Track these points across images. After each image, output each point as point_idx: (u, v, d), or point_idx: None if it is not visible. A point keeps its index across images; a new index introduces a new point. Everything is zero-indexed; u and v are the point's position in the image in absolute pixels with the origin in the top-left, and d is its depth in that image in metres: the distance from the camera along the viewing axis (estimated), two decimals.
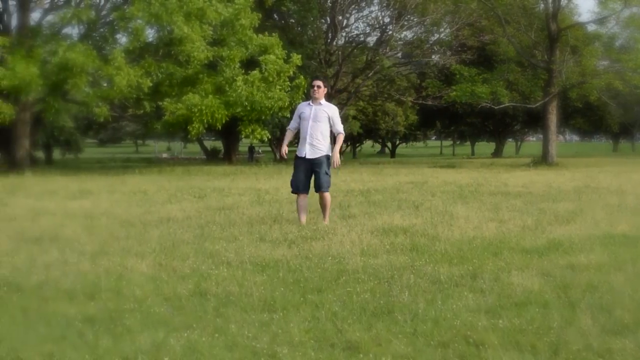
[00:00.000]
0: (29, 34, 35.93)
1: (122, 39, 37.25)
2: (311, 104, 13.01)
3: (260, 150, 79.95)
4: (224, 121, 32.92)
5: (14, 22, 38.91)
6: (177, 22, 31.59)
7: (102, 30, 38.71)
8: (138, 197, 18.86)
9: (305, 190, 12.80)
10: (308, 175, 12.81)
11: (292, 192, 13.11)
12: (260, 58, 34.16)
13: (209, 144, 77.46)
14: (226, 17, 33.61)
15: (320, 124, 12.79)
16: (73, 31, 39.39)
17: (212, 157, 68.58)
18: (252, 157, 70.14)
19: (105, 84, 35.22)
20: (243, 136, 41.67)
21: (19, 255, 9.41)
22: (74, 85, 31.97)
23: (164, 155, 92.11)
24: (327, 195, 12.93)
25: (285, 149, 13.62)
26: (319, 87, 12.98)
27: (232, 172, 34.26)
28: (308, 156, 12.71)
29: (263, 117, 35.07)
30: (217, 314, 6.52)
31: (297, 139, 14.07)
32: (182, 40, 31.85)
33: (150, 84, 32.36)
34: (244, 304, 6.86)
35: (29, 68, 30.86)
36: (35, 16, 39.26)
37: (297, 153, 12.99)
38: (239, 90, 32.21)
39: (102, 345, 5.62)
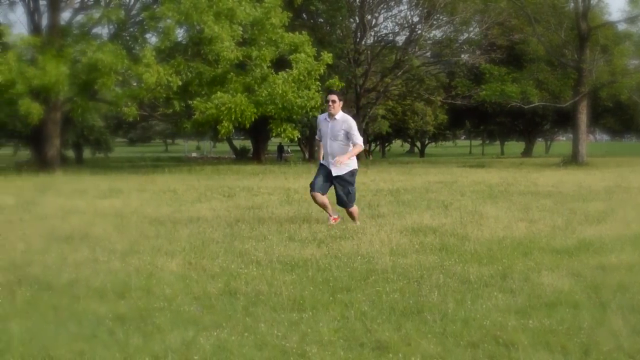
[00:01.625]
0: (59, 34, 36.13)
1: (152, 38, 37.44)
2: (327, 118, 12.77)
3: (289, 150, 79.96)
4: (252, 120, 32.97)
5: (44, 21, 39.14)
6: (207, 22, 31.68)
7: (131, 30, 38.91)
8: (168, 196, 18.93)
9: (322, 190, 12.63)
10: (328, 179, 12.66)
11: (310, 191, 12.79)
12: (291, 57, 34.20)
13: (238, 143, 77.58)
14: (256, 16, 33.66)
15: (339, 142, 12.54)
16: (103, 31, 39.55)
17: (241, 156, 68.73)
18: (281, 156, 70.20)
19: (134, 84, 35.40)
20: (274, 135, 41.70)
21: (50, 254, 9.46)
22: (102, 85, 32.13)
23: (194, 154, 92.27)
24: (353, 209, 12.77)
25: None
26: (334, 101, 12.65)
27: (261, 171, 34.32)
28: (334, 173, 12.58)
29: (294, 116, 35.11)
30: (247, 313, 6.53)
31: None
32: (211, 40, 31.93)
33: (180, 83, 32.50)
34: (274, 303, 6.86)
35: (59, 67, 31.04)
36: (65, 16, 39.43)
37: (320, 161, 13.02)
38: (276, 89, 32.24)
39: (133, 344, 5.64)
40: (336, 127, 12.55)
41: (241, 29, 33.63)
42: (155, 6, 35.88)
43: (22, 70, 30.99)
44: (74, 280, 7.84)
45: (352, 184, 12.62)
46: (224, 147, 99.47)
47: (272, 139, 63.39)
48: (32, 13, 39.13)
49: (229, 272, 8.25)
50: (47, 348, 5.52)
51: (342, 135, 12.50)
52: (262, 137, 56.26)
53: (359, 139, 12.58)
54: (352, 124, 12.63)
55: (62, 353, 5.41)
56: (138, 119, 37.61)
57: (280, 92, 32.55)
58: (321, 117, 13.06)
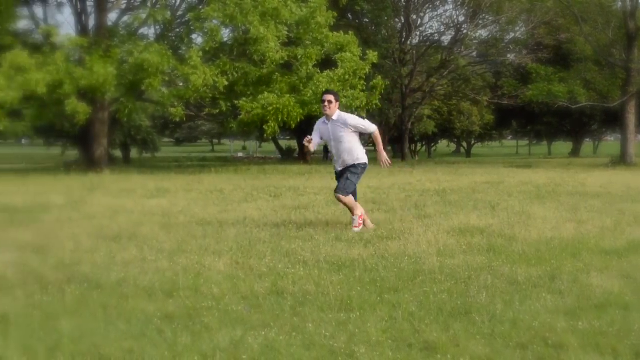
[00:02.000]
0: (106, 35, 36.42)
1: (198, 39, 37.65)
2: (326, 121, 12.23)
3: None
4: (298, 120, 33.03)
5: (91, 22, 39.50)
6: (253, 22, 31.77)
7: (178, 30, 39.13)
8: (215, 195, 19.00)
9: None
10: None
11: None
12: (336, 56, 34.21)
13: (284, 143, 77.72)
14: (301, 16, 33.71)
15: (343, 144, 12.07)
16: (149, 31, 39.89)
17: (287, 156, 68.85)
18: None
19: (181, 84, 35.60)
20: None
21: (99, 253, 9.54)
22: (149, 85, 32.35)
23: (240, 154, 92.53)
24: (340, 197, 12.05)
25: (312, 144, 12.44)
26: (330, 102, 12.09)
27: (307, 171, 34.36)
28: (339, 169, 12.36)
29: None
30: (294, 313, 6.53)
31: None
32: (257, 40, 32.02)
33: (226, 84, 32.62)
34: (321, 303, 6.86)
35: (106, 68, 31.29)
36: (112, 17, 39.78)
37: (335, 168, 12.65)
38: (320, 87, 32.27)
39: (181, 343, 5.67)
40: (336, 129, 12.08)
41: (286, 28, 33.70)
42: (200, 7, 36.08)
43: (70, 70, 31.28)
44: (122, 279, 7.90)
45: (354, 174, 12.08)
46: (269, 147, 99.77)
47: None
48: (80, 14, 39.50)
49: (276, 272, 8.26)
50: (97, 346, 5.56)
51: (344, 136, 12.05)
52: None
53: (371, 126, 12.25)
54: (352, 118, 12.21)
55: (111, 351, 5.45)
56: (184, 119, 37.78)
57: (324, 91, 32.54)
58: (319, 122, 12.49)
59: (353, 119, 12.17)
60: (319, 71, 33.91)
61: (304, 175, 30.31)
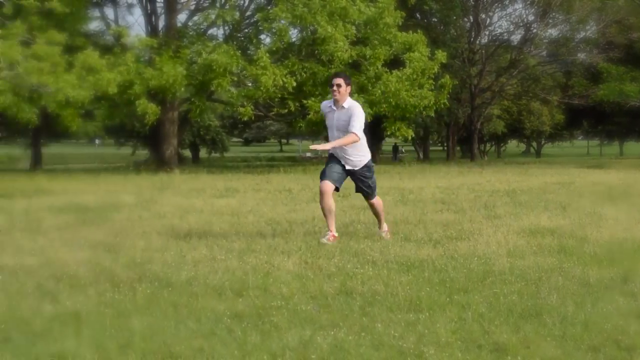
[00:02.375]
0: (175, 35, 36.80)
1: (266, 39, 37.85)
2: (333, 106, 10.93)
3: (403, 150, 79.71)
4: (367, 119, 33.03)
5: (161, 23, 39.91)
6: (321, 22, 31.84)
7: (246, 31, 39.38)
8: (283, 195, 19.06)
9: (335, 181, 10.93)
10: (341, 173, 11.05)
11: (321, 181, 10.99)
12: (405, 56, 34.17)
13: None
14: (369, 16, 33.72)
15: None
16: (218, 32, 40.16)
17: None
18: (396, 156, 70.04)
19: (249, 84, 35.82)
20: (388, 134, 41.69)
21: (169, 252, 9.62)
22: (218, 86, 32.61)
23: (308, 154, 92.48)
24: (375, 200, 11.43)
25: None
26: (339, 85, 10.74)
27: (376, 171, 34.24)
28: (349, 168, 11.06)
29: (407, 116, 35.08)
30: (363, 313, 6.51)
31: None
32: (325, 40, 32.09)
33: (295, 84, 32.73)
34: (390, 303, 6.84)
35: (176, 68, 31.62)
36: (181, 17, 40.19)
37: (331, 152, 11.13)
38: (389, 87, 32.26)
39: (251, 342, 5.68)
40: (342, 117, 10.80)
41: (354, 28, 33.73)
42: (269, 7, 36.27)
43: (140, 71, 31.69)
44: (192, 278, 7.95)
45: (370, 177, 11.25)
46: None
47: (386, 138, 63.36)
48: (150, 15, 39.95)
49: (345, 272, 8.25)
50: (168, 344, 5.60)
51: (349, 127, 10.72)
52: (376, 137, 56.18)
53: (356, 127, 10.65)
54: (357, 112, 10.77)
55: (181, 350, 5.49)
56: (253, 118, 38.03)
57: (393, 90, 32.55)
58: (325, 105, 11.37)
59: (357, 110, 10.79)
60: (387, 71, 33.89)
61: None
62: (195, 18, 39.36)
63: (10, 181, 24.64)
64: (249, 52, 37.16)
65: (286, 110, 36.80)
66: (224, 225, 12.50)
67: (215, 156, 72.59)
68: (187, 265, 8.67)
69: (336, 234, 10.74)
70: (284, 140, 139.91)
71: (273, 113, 42.01)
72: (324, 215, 10.94)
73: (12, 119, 32.17)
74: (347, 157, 10.97)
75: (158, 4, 40.39)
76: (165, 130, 37.32)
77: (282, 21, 33.97)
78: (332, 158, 11.11)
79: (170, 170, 33.30)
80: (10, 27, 26.77)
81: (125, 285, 7.55)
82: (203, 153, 73.19)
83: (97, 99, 31.77)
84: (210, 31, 39.30)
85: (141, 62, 33.42)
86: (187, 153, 65.85)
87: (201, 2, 40.77)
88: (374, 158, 38.68)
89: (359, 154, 11.03)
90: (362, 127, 10.86)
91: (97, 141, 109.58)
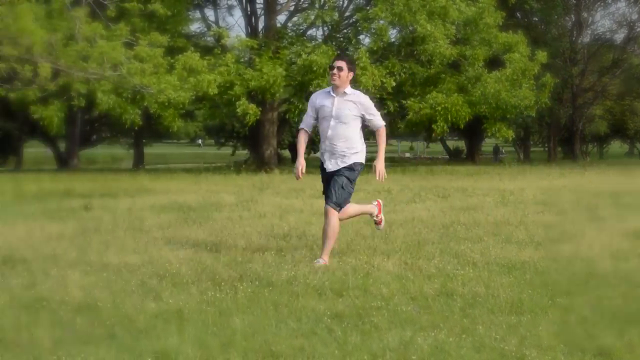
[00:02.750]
0: (275, 36, 37.03)
1: (365, 39, 37.86)
2: (332, 93, 9.43)
3: (503, 150, 78.93)
4: (467, 120, 32.86)
5: (260, 24, 40.21)
6: (420, 21, 31.73)
7: (345, 31, 39.43)
8: (382, 196, 18.96)
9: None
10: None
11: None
12: (505, 56, 33.87)
13: (451, 143, 77.24)
14: (469, 16, 33.50)
15: (345, 126, 9.32)
16: (317, 33, 40.28)
17: (454, 156, 68.40)
18: (497, 157, 69.37)
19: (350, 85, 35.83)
20: (489, 134, 41.36)
21: (270, 251, 9.69)
22: (317, 86, 32.68)
23: (407, 154, 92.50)
24: (333, 213, 9.31)
25: (302, 163, 9.66)
26: (340, 69, 9.29)
27: (476, 172, 33.97)
28: (330, 169, 9.44)
29: (508, 116, 34.77)
30: (464, 315, 6.48)
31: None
32: (424, 39, 31.98)
33: (394, 84, 32.67)
34: (491, 305, 6.79)
35: (275, 69, 31.80)
36: (281, 18, 40.47)
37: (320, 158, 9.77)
38: (488, 88, 32.01)
39: (351, 342, 5.69)
40: (343, 106, 9.32)
41: (454, 28, 33.55)
42: (368, 7, 36.27)
43: (240, 72, 31.97)
44: (292, 278, 7.99)
45: (350, 180, 9.38)
46: (437, 147, 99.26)
47: (486, 139, 62.88)
48: (249, 16, 40.27)
49: (445, 273, 8.22)
50: (269, 343, 5.65)
51: (352, 118, 9.33)
52: (476, 138, 55.76)
53: (381, 120, 9.58)
54: (369, 103, 9.55)
55: (282, 349, 5.53)
56: None
57: (492, 91, 32.30)
58: (320, 93, 9.92)
59: (367, 101, 9.52)
60: (487, 71, 33.63)
61: (472, 176, 29.97)
62: (295, 19, 39.59)
63: (113, 181, 25.09)
64: (347, 52, 37.23)
65: (385, 111, 36.78)
66: (322, 225, 12.52)
67: (314, 157, 72.85)
68: (287, 265, 8.72)
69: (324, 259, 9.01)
70: None
71: None
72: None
73: (115, 119, 32.81)
74: (338, 154, 9.36)
75: (258, 5, 40.73)
76: (264, 131, 37.58)
77: (382, 21, 33.93)
78: (321, 171, 9.72)
79: (269, 171, 33.52)
80: (114, 29, 27.28)
81: (227, 284, 7.63)
82: None
83: (198, 99, 32.19)
84: (309, 32, 39.53)
85: (241, 63, 33.73)
86: (286, 153, 66.20)
87: (300, 3, 40.97)
88: (473, 158, 38.10)
89: (351, 151, 9.40)
90: (379, 114, 9.67)
91: (200, 141, 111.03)
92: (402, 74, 33.84)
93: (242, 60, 34.75)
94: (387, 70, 32.83)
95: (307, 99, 34.47)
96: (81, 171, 36.40)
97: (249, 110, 32.02)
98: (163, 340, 5.70)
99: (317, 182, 21.81)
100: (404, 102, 33.93)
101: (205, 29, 41.78)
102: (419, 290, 7.36)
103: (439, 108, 31.81)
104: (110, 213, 14.70)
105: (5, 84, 24.91)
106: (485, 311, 6.59)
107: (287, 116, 39.26)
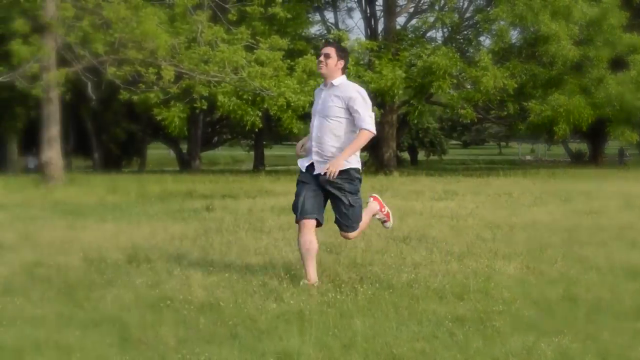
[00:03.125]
0: (394, 38, 37.07)
1: (485, 41, 37.64)
2: (323, 87, 8.13)
3: (628, 153, 77.26)
4: (589, 122, 32.30)
5: (380, 26, 40.30)
6: (543, 21, 31.32)
7: (465, 32, 39.26)
8: (503, 199, 18.81)
9: (314, 213, 7.91)
10: (317, 194, 7.96)
11: (296, 220, 8.08)
12: (629, 58, 33.17)
13: (573, 146, 75.98)
14: (592, 16, 32.92)
15: (333, 124, 7.82)
16: (437, 34, 40.24)
17: (577, 159, 67.25)
18: (621, 160, 67.88)
19: (468, 86, 35.70)
20: (612, 138, 40.53)
21: (389, 254, 9.68)
22: (437, 88, 32.65)
23: (527, 157, 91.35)
24: (354, 234, 8.32)
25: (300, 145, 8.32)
26: (327, 56, 7.91)
27: (599, 175, 33.30)
28: (316, 171, 7.91)
29: (632, 119, 34.04)
30: (589, 320, 6.36)
31: None
32: (547, 39, 31.55)
33: (515, 86, 32.33)
34: (616, 311, 6.66)
35: (395, 71, 31.82)
36: (400, 20, 40.49)
37: (299, 163, 8.17)
38: (609, 89, 31.43)
39: (473, 346, 5.64)
40: (330, 98, 7.90)
41: (577, 28, 33.00)
42: (488, 8, 36.03)
43: (360, 74, 32.04)
44: (413, 280, 7.96)
45: (353, 194, 8.04)
46: (558, 150, 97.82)
47: (609, 141, 61.65)
48: (369, 18, 40.45)
49: (568, 278, 8.09)
50: (390, 345, 5.64)
51: (337, 111, 7.81)
52: (600, 140, 54.68)
53: (366, 122, 7.73)
54: (359, 96, 7.84)
55: (403, 351, 5.51)
56: (475, 120, 37.90)
57: (616, 93, 31.67)
58: (316, 90, 8.43)
59: (356, 94, 7.84)
60: (610, 72, 32.99)
61: (595, 179, 29.38)
62: (414, 21, 39.63)
63: (234, 182, 25.43)
64: (467, 54, 37.07)
65: (505, 113, 36.44)
66: (444, 228, 12.46)
67: (434, 159, 72.53)
68: (407, 268, 8.70)
69: (316, 281, 7.87)
70: (503, 143, 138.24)
71: (492, 115, 41.68)
72: (303, 259, 8.03)
73: (236, 121, 33.23)
74: (325, 154, 7.88)
75: (377, 7, 40.86)
76: (384, 133, 37.65)
77: (502, 22, 33.65)
78: (299, 177, 8.13)
79: (389, 173, 33.55)
80: (235, 32, 27.61)
81: (347, 286, 7.65)
82: (421, 156, 73.32)
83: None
84: (429, 34, 39.49)
85: (360, 65, 33.85)
86: (406, 155, 66.15)
87: (420, 4, 40.94)
88: (596, 161, 37.12)
89: (340, 151, 7.82)
90: (373, 118, 7.91)
91: None
92: (523, 75, 33.45)
93: (361, 62, 34.87)
94: (509, 72, 32.50)
95: (427, 101, 34.55)
96: (203, 172, 36.97)
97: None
98: (285, 341, 5.74)
99: (438, 184, 21.79)
100: (524, 104, 33.55)
101: (325, 32, 42.07)
102: (542, 295, 7.27)
103: (561, 110, 31.34)
104: (231, 214, 14.89)
105: (130, 87, 25.45)
106: (611, 317, 6.46)
107: (406, 118, 39.29)
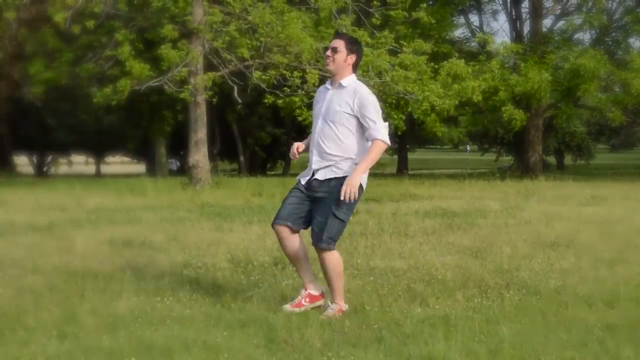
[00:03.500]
0: (540, 41, 36.60)
1: (635, 42, 36.89)
2: (328, 86, 7.13)
3: None
4: None
5: (525, 29, 39.86)
6: None
7: (614, 34, 38.49)
8: None
9: (288, 220, 7.09)
10: (302, 202, 7.12)
11: (272, 224, 7.29)
12: None
13: None
14: None
15: (336, 127, 6.83)
16: (584, 36, 39.66)
17: None
18: None
19: (617, 89, 35.00)
20: None
21: (536, 259, 9.52)
22: (585, 91, 32.09)
23: None
24: (329, 257, 6.99)
25: (295, 147, 7.31)
26: (334, 50, 6.87)
27: None
28: (316, 176, 6.97)
29: None
30: None
31: None
32: None
33: None
34: None
35: (541, 74, 31.43)
36: (546, 22, 39.98)
37: (298, 178, 7.29)
38: None
39: (624, 356, 5.49)
40: (337, 101, 6.87)
41: None
42: (638, 9, 35.23)
43: (505, 77, 31.75)
44: (561, 287, 7.82)
45: (340, 208, 6.81)
46: None
47: None
48: (514, 21, 40.06)
49: None
50: (538, 353, 5.55)
51: (344, 117, 6.81)
52: None
53: (381, 133, 6.78)
54: (369, 103, 6.80)
55: (552, 359, 5.41)
56: (625, 123, 37.10)
57: None
58: (319, 89, 7.39)
59: (370, 101, 6.81)
60: None
61: None
62: (561, 23, 39.05)
63: (378, 185, 25.42)
64: (616, 56, 36.30)
65: None
66: (592, 234, 12.18)
67: (581, 163, 71.12)
68: (554, 274, 8.54)
69: (319, 293, 7.15)
70: None
71: None
72: (296, 267, 7.37)
73: None
74: (327, 159, 6.94)
75: (523, 10, 40.39)
76: (529, 137, 37.22)
77: None
78: (295, 185, 7.34)
79: (534, 177, 33.07)
80: (378, 36, 27.65)
81: (493, 292, 7.56)
82: (567, 160, 72.00)
83: (461, 104, 32.16)
84: (576, 36, 38.87)
85: (506, 68, 33.53)
86: (552, 160, 65.09)
87: (567, 6, 40.29)
88: None
89: (344, 162, 6.92)
90: (387, 127, 6.95)
91: (467, 147, 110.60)
92: None
93: (506, 65, 34.52)
94: None
95: (574, 104, 34.00)
96: None
97: (515, 115, 31.78)
98: (430, 345, 5.69)
99: (586, 189, 21.35)
100: None
101: (470, 35, 41.79)
102: None
103: None
104: (375, 217, 14.88)
105: (275, 91, 25.77)
106: None
107: (553, 122, 38.71)
